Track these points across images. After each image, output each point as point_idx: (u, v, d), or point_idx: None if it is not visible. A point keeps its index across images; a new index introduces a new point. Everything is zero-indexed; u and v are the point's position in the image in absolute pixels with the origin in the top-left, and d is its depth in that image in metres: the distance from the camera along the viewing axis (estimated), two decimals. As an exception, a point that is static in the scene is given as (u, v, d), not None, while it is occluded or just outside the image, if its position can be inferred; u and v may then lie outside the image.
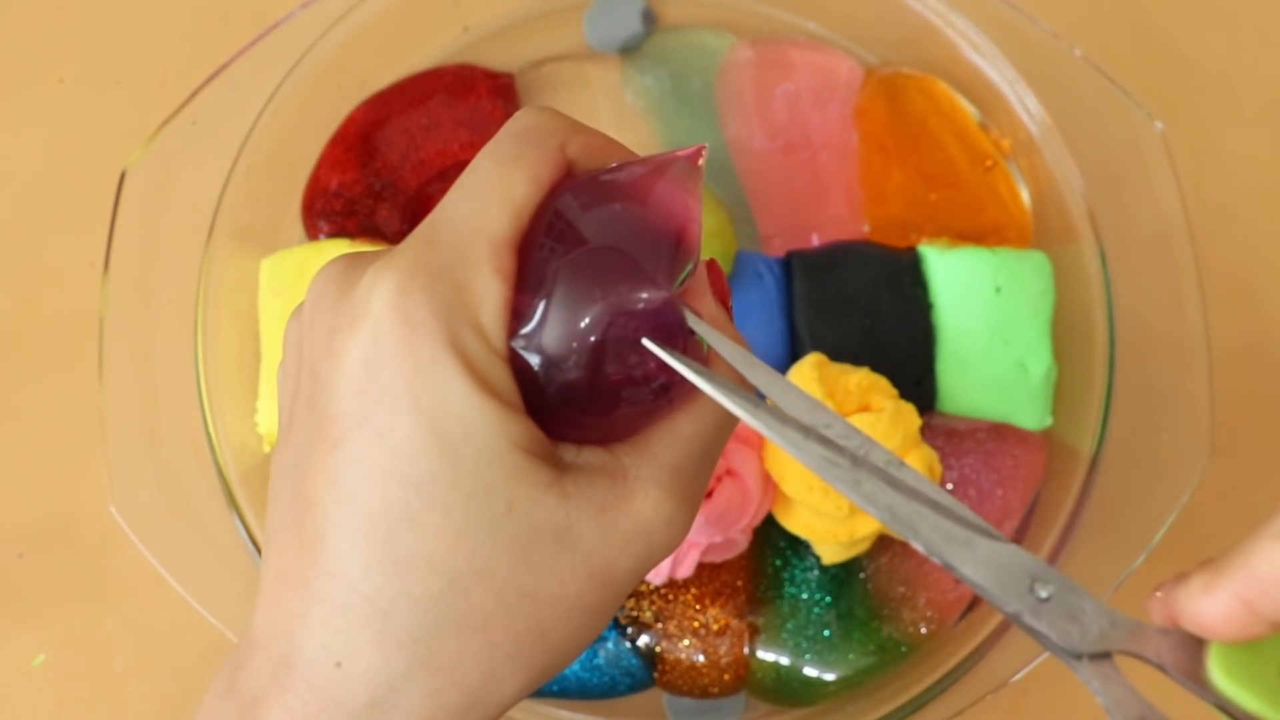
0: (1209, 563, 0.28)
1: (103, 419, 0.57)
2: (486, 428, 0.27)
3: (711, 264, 0.32)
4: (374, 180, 0.61)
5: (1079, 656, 0.28)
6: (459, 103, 0.62)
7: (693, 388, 0.29)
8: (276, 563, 0.29)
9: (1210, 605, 0.27)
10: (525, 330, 0.28)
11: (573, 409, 0.29)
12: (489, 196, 0.29)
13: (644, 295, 0.28)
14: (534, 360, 0.28)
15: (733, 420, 0.30)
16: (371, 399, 0.27)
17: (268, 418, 0.57)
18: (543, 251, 0.28)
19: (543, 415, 0.29)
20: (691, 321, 0.29)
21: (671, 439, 0.30)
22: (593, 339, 0.28)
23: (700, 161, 0.29)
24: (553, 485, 0.28)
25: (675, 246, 0.28)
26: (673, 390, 0.29)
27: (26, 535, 0.61)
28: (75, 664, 0.59)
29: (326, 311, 0.29)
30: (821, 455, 0.28)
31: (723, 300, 0.31)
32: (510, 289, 0.28)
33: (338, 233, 0.61)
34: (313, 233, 0.61)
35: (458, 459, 0.27)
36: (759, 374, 0.29)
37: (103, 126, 0.67)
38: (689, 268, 0.29)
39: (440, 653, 0.28)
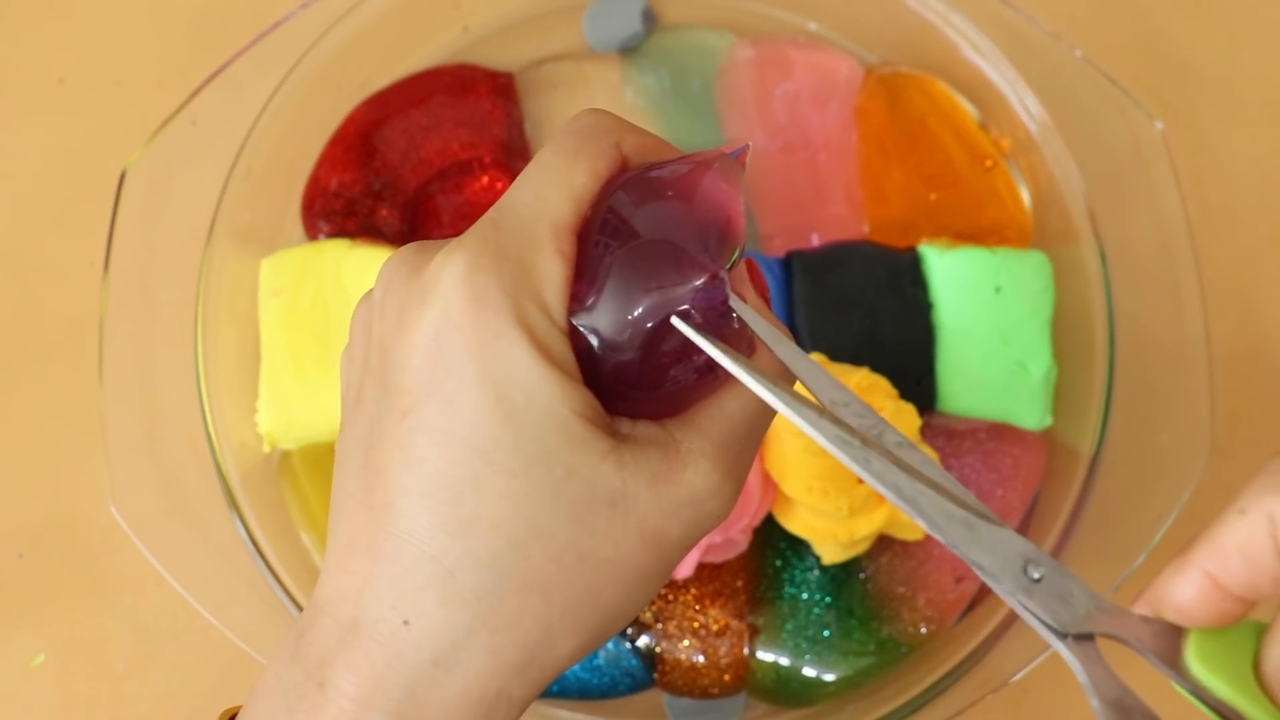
0: (1182, 550, 0.29)
1: (103, 419, 0.57)
2: (548, 396, 0.29)
3: (750, 261, 0.33)
4: (374, 180, 0.61)
5: (1064, 636, 0.29)
6: (459, 102, 0.62)
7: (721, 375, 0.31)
8: (345, 530, 0.31)
9: (1181, 585, 0.28)
10: (584, 310, 0.30)
11: (626, 385, 0.31)
12: (551, 185, 0.31)
13: (693, 282, 0.30)
14: (592, 338, 0.30)
15: (770, 412, 0.32)
16: (441, 370, 0.29)
17: (268, 418, 0.57)
18: (600, 238, 0.30)
19: (599, 391, 0.30)
20: (735, 304, 0.30)
21: (720, 415, 0.32)
22: (646, 322, 0.30)
23: (744, 159, 0.32)
24: (610, 453, 0.29)
25: (721, 238, 0.31)
26: (719, 369, 0.31)
27: (26, 535, 0.61)
28: (75, 664, 0.59)
29: (398, 291, 0.31)
30: (835, 434, 0.30)
31: (762, 293, 0.33)
32: (570, 270, 0.30)
33: (338, 232, 0.61)
34: (312, 233, 0.61)
35: (521, 425, 0.29)
36: (787, 351, 0.31)
37: (103, 126, 0.67)
38: (734, 257, 0.31)
39: (501, 610, 0.29)
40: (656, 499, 0.30)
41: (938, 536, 0.30)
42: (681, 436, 0.31)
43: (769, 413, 0.32)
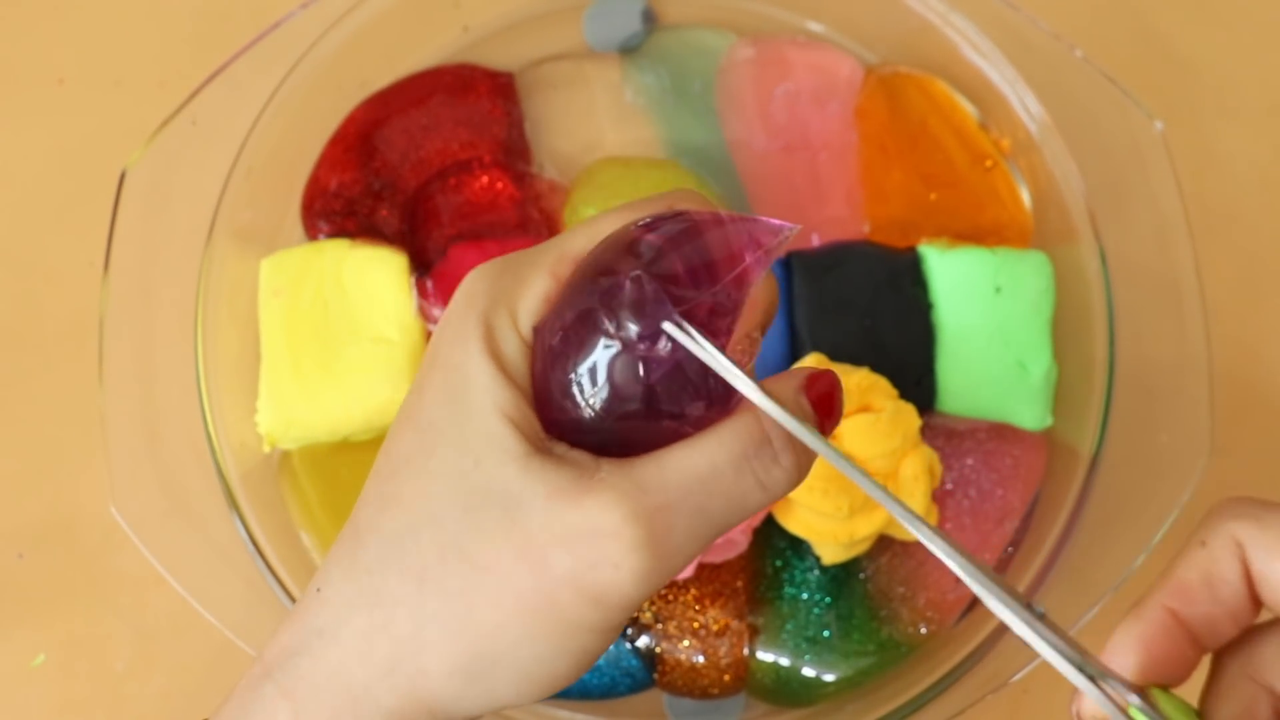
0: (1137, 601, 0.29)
1: (103, 419, 0.57)
2: (480, 387, 0.29)
3: (825, 379, 0.31)
4: (374, 180, 0.62)
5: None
6: (459, 102, 0.62)
7: (690, 429, 0.29)
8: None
9: (1141, 627, 0.28)
10: (541, 320, 0.30)
11: (566, 409, 0.29)
12: (586, 227, 0.32)
13: (614, 281, 0.29)
14: (539, 349, 0.30)
15: (734, 492, 0.29)
16: (428, 357, 0.31)
17: (268, 418, 0.57)
18: (591, 270, 0.30)
19: (551, 413, 0.30)
20: (674, 331, 0.28)
21: (655, 462, 0.29)
22: (574, 326, 0.29)
23: (780, 238, 0.30)
24: (521, 457, 0.28)
25: (720, 297, 0.29)
26: (680, 425, 0.29)
27: (26, 535, 0.61)
28: (75, 664, 0.60)
29: None
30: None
31: (824, 408, 0.31)
32: (556, 289, 0.30)
33: (337, 232, 0.61)
34: (312, 233, 0.61)
35: (454, 410, 0.29)
36: (752, 393, 0.29)
37: (103, 126, 0.67)
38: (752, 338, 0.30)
39: (382, 590, 0.29)
40: (547, 517, 0.28)
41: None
42: (606, 468, 0.29)
43: (716, 495, 0.29)
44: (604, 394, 0.29)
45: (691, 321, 0.29)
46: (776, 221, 0.30)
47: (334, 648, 0.29)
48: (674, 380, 0.29)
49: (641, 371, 0.28)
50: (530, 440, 0.29)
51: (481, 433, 0.29)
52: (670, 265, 0.29)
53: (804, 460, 0.30)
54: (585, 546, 0.28)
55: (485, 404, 0.29)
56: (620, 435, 0.29)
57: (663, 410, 0.29)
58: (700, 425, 0.29)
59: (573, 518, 0.28)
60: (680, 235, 0.30)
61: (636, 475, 0.28)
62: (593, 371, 0.29)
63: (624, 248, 0.30)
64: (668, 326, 0.28)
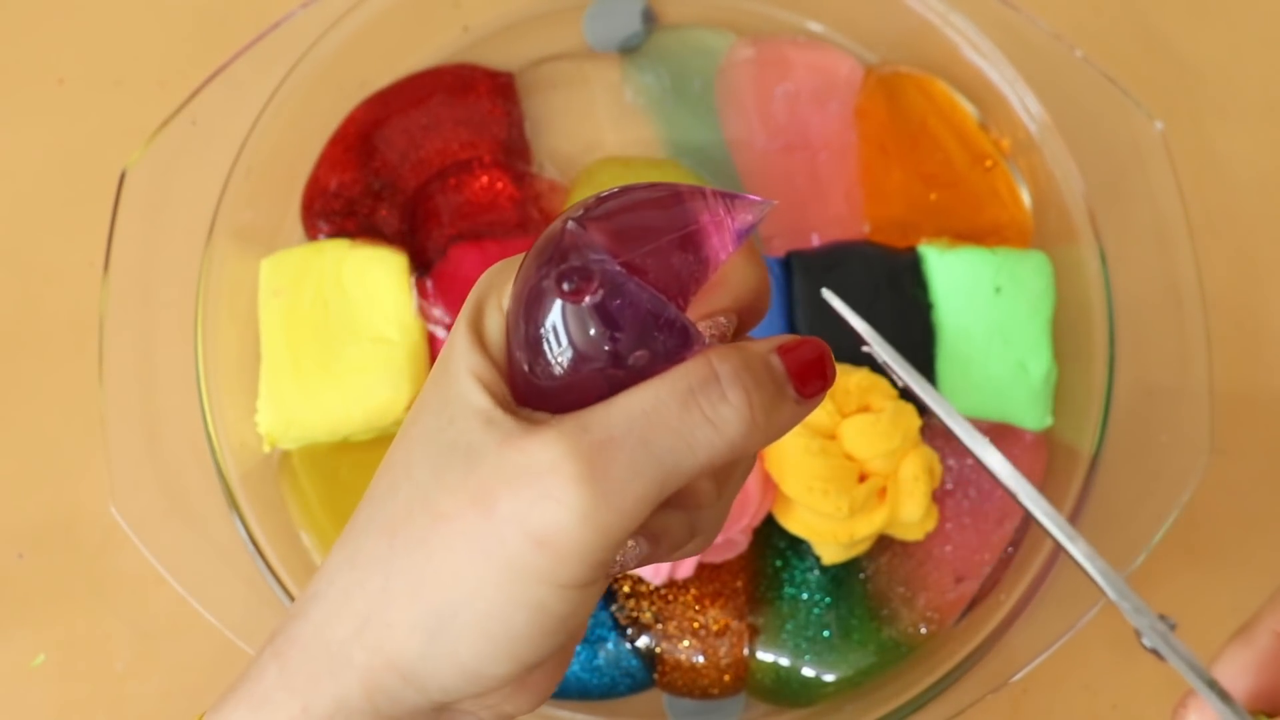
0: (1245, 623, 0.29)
1: (103, 419, 0.57)
2: (459, 355, 0.30)
3: (808, 347, 0.30)
4: (373, 180, 0.61)
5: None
6: (459, 102, 0.62)
7: (643, 377, 0.29)
8: None
9: (1247, 652, 0.28)
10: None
11: (520, 371, 0.30)
12: None
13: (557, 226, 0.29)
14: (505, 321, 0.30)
15: (680, 427, 0.28)
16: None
17: (268, 418, 0.57)
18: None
19: (514, 383, 0.30)
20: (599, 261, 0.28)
21: (602, 406, 0.29)
22: (518, 299, 0.29)
23: (751, 214, 0.30)
24: (485, 412, 0.29)
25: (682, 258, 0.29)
26: (610, 372, 0.29)
27: (26, 535, 0.61)
28: (75, 664, 0.60)
29: None
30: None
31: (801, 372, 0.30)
32: None
33: (337, 232, 0.61)
34: (312, 233, 0.61)
35: (438, 381, 0.30)
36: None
37: (103, 126, 0.67)
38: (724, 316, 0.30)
39: (363, 549, 0.30)
40: (499, 461, 0.28)
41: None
42: (553, 416, 0.29)
43: (669, 420, 0.28)
44: (549, 348, 0.29)
45: (642, 277, 0.28)
46: (752, 197, 0.30)
47: (320, 608, 0.30)
48: (607, 327, 0.28)
49: (575, 319, 0.28)
50: (498, 399, 0.29)
51: (455, 395, 0.29)
52: (609, 214, 0.29)
53: (760, 400, 0.28)
54: (527, 485, 0.28)
55: (460, 369, 0.30)
56: (573, 395, 0.29)
57: (600, 360, 0.28)
58: (648, 376, 0.29)
59: (517, 458, 0.28)
60: (629, 194, 0.29)
61: (583, 418, 0.28)
62: (533, 323, 0.29)
63: (573, 208, 0.30)
64: (609, 277, 0.28)
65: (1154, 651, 0.27)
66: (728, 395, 0.28)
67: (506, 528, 0.28)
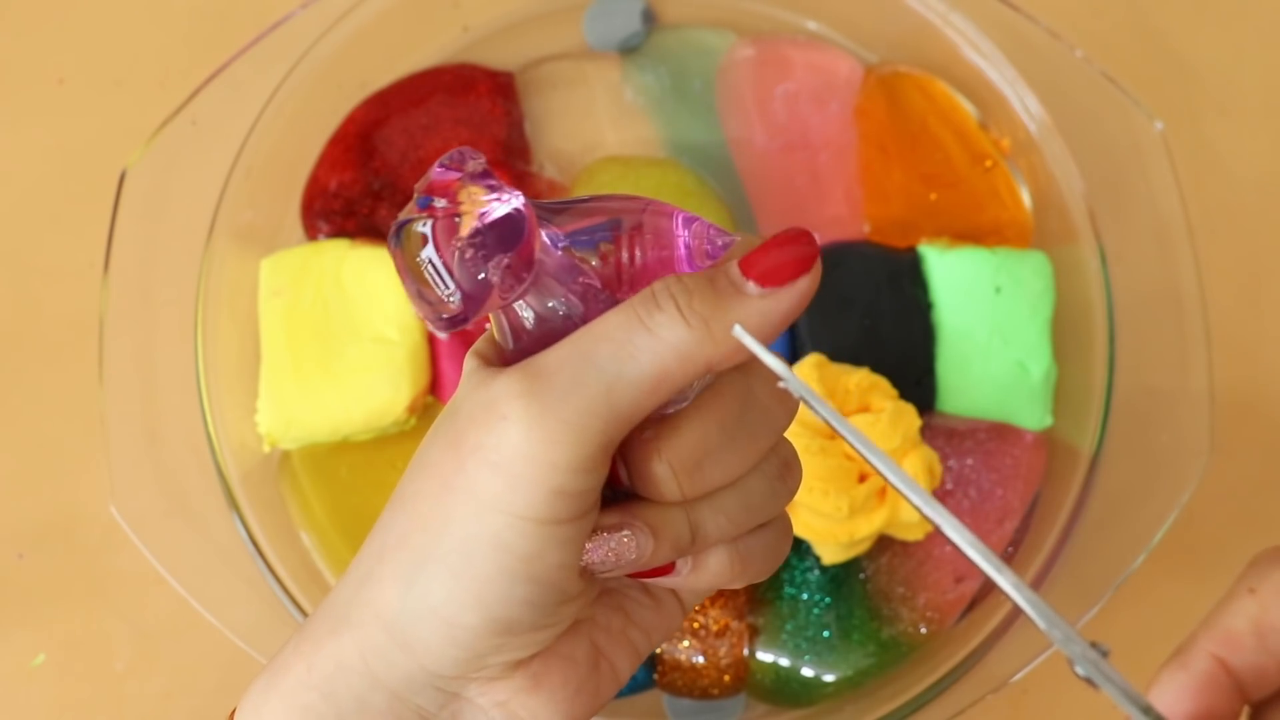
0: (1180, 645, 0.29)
1: (103, 419, 0.57)
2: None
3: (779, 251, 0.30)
4: (373, 180, 0.62)
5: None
6: (459, 102, 0.62)
7: (593, 314, 0.30)
8: None
9: (1184, 676, 0.28)
10: None
11: (515, 339, 0.31)
12: None
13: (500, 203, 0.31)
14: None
15: (619, 335, 0.29)
16: None
17: (268, 418, 0.57)
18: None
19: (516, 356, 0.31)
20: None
21: (560, 344, 0.30)
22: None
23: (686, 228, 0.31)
24: (471, 374, 0.30)
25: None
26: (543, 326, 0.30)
27: (26, 535, 0.61)
28: (75, 664, 0.60)
29: None
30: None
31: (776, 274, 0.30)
32: None
33: (337, 233, 0.61)
34: (312, 233, 0.61)
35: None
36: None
37: (103, 126, 0.67)
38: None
39: (385, 520, 0.31)
40: (470, 405, 0.29)
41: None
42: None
43: (608, 331, 0.29)
44: (459, 276, 0.29)
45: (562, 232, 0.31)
46: (718, 227, 0.31)
47: (344, 578, 0.31)
48: (500, 249, 0.29)
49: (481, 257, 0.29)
50: (485, 363, 0.31)
51: (462, 379, 0.31)
52: (563, 205, 0.31)
53: (696, 302, 0.29)
54: (484, 414, 0.29)
55: (471, 352, 0.31)
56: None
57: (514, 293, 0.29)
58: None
59: (482, 396, 0.29)
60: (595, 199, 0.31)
61: (541, 354, 0.29)
62: (468, 269, 0.29)
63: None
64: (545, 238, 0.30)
65: (1088, 680, 0.27)
66: (659, 302, 0.29)
67: (470, 459, 0.29)
